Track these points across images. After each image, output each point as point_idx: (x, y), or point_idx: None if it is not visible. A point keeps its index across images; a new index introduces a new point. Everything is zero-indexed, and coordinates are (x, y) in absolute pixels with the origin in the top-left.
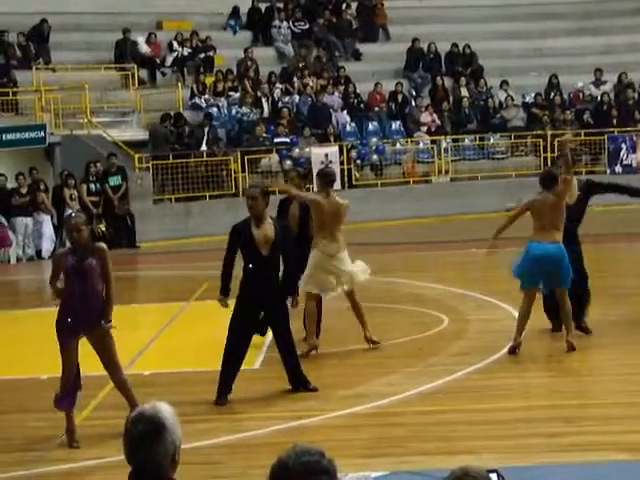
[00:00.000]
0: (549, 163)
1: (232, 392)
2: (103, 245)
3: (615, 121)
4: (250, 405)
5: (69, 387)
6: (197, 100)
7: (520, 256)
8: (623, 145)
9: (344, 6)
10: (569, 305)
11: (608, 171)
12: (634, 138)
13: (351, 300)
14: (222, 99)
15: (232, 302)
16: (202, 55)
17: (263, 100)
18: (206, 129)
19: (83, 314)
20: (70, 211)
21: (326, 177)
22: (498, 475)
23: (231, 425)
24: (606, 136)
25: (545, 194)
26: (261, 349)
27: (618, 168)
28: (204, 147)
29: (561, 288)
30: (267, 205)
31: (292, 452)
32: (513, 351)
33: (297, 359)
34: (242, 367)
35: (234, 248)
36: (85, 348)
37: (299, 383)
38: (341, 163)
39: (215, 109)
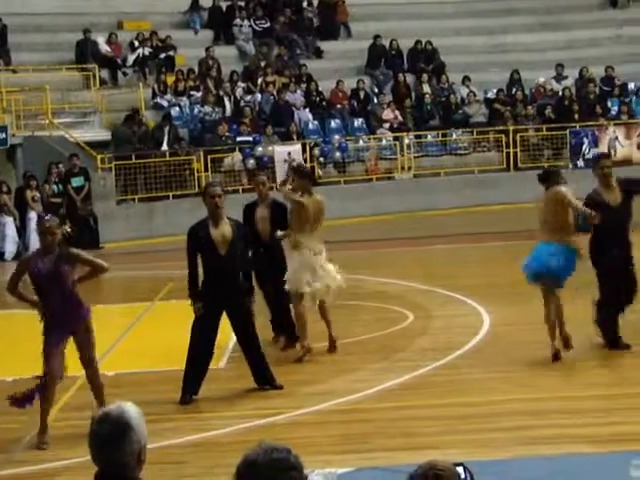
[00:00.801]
0: (512, 158)
1: (198, 393)
2: (74, 251)
3: (577, 116)
4: (216, 404)
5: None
6: (159, 100)
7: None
8: (585, 139)
9: (305, 4)
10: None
11: (570, 165)
12: (596, 132)
13: (320, 301)
14: (184, 98)
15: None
16: (163, 55)
17: (225, 99)
18: (166, 129)
19: (68, 315)
20: (34, 213)
21: (308, 176)
22: (464, 469)
23: (197, 424)
24: (568, 131)
25: (545, 192)
26: (226, 348)
27: (580, 162)
28: (165, 147)
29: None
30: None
31: (260, 450)
32: (556, 357)
33: (262, 357)
34: (208, 367)
35: (194, 251)
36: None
37: (265, 381)
38: (304, 161)
39: (177, 108)
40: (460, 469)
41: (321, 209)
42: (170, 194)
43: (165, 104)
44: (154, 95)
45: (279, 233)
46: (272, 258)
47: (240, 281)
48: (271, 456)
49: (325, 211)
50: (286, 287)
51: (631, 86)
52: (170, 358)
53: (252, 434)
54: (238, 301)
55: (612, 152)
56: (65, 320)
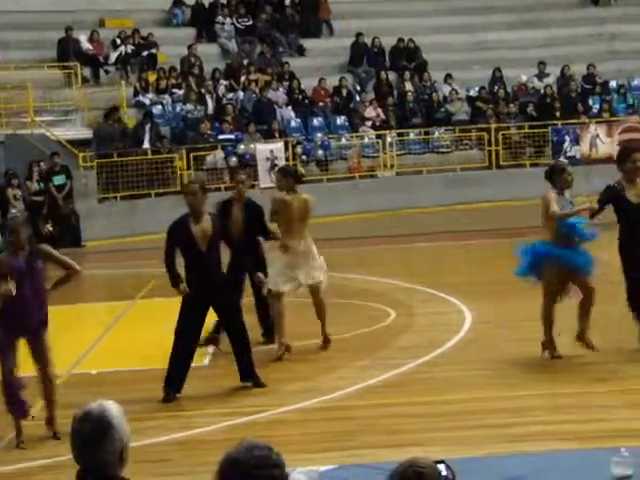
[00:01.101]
0: (494, 156)
1: (181, 391)
2: (43, 246)
3: (558, 113)
4: (199, 402)
5: (12, 391)
6: (141, 98)
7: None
8: (567, 137)
9: (287, 1)
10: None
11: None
12: (577, 130)
13: (314, 297)
14: (166, 96)
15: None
16: (145, 53)
17: (207, 97)
18: (148, 127)
19: (29, 316)
20: (13, 211)
21: (292, 174)
22: (446, 466)
23: (180, 422)
24: (550, 128)
25: None
26: (209, 346)
27: (562, 160)
28: (147, 145)
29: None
30: (205, 200)
31: (242, 447)
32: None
33: (250, 353)
34: (191, 364)
35: (172, 246)
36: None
37: (249, 378)
38: (286, 159)
39: (159, 106)
40: (442, 466)
41: (306, 207)
42: (152, 192)
43: (147, 102)
44: (136, 93)
45: (277, 234)
46: (244, 257)
47: (223, 276)
48: (253, 454)
49: (311, 209)
50: (266, 286)
51: (612, 84)
52: (153, 356)
53: (235, 432)
54: (223, 296)
55: (593, 150)
56: (27, 319)
